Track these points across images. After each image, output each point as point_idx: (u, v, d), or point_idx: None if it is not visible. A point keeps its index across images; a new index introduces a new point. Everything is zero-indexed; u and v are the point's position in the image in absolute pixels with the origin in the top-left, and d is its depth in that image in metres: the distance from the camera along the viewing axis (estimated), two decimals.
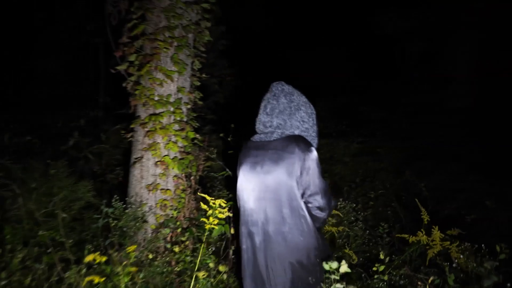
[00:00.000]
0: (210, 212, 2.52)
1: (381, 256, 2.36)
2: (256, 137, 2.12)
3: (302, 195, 1.98)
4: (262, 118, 2.09)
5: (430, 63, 7.64)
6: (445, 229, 2.92)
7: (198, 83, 3.34)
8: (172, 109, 2.99)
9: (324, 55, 10.28)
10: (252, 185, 2.04)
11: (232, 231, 2.93)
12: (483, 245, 2.40)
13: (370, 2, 7.11)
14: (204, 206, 2.53)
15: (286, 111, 2.05)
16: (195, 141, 3.23)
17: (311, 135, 2.11)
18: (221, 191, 3.76)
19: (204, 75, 3.34)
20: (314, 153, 1.96)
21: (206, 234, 2.51)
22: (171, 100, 2.99)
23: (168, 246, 2.75)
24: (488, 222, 4.01)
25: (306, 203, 1.99)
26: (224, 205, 2.56)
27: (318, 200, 1.99)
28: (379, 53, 8.04)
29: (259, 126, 2.11)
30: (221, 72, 7.72)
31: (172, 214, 2.97)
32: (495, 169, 5.11)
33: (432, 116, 6.69)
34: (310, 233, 2.00)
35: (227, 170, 3.51)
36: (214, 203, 2.54)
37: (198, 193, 3.04)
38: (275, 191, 1.98)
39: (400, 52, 7.76)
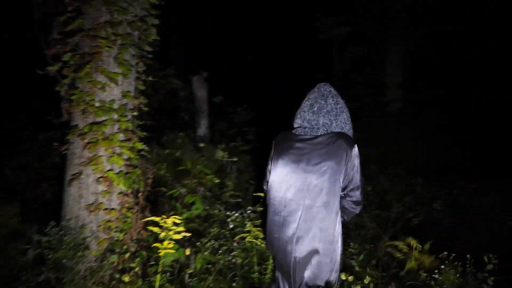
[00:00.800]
0: (163, 234, 2.19)
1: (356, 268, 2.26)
2: (299, 130, 2.17)
3: (343, 189, 2.07)
4: (307, 116, 2.16)
5: (368, 68, 7.90)
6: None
7: (143, 87, 2.98)
8: (116, 116, 2.60)
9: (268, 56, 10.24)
10: (296, 176, 2.10)
11: (188, 252, 2.65)
12: (468, 255, 2.35)
13: (314, 8, 7.16)
14: (154, 229, 2.21)
15: (332, 112, 2.14)
16: (142, 153, 2.87)
17: (351, 135, 2.21)
18: (174, 209, 3.42)
19: (150, 78, 3.00)
20: (357, 149, 2.07)
21: (161, 261, 2.20)
22: (115, 106, 2.60)
23: (116, 275, 2.38)
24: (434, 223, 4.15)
25: (344, 196, 2.10)
26: (178, 221, 2.26)
27: (357, 195, 2.09)
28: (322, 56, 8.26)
29: (302, 123, 2.17)
30: (154, 73, 7.30)
31: (118, 237, 2.59)
32: (436, 173, 5.36)
33: (373, 120, 6.97)
34: (339, 229, 2.09)
35: (179, 188, 3.20)
36: (165, 222, 2.22)
37: (146, 213, 2.71)
38: (319, 184, 2.05)
39: (340, 57, 8.01)
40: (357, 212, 2.18)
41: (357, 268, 2.40)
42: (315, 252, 2.07)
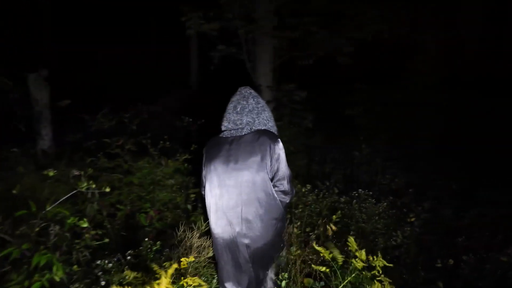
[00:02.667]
0: None
1: None
2: (225, 133, 2.36)
3: (271, 180, 2.27)
4: (232, 116, 2.35)
5: (238, 68, 7.42)
6: None
7: None
8: None
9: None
10: (228, 175, 2.25)
11: None
12: None
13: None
14: None
15: (254, 111, 2.34)
16: None
17: (274, 132, 2.42)
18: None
19: None
20: (281, 143, 2.27)
21: None
22: None
23: None
24: None
25: (273, 187, 2.28)
26: None
27: (284, 185, 2.29)
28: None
29: (227, 125, 2.36)
30: None
31: None
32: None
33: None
34: (281, 213, 2.31)
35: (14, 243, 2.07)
36: None
37: None
38: (251, 179, 2.21)
39: (207, 55, 7.43)
40: (287, 201, 2.36)
41: None
42: (264, 239, 2.26)
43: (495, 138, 7.39)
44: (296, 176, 5.55)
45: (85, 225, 2.11)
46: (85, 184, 2.23)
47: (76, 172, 3.18)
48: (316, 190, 4.53)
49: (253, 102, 2.38)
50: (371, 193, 4.22)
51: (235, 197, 2.24)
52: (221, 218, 2.28)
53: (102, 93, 14.22)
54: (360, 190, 4.26)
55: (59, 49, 14.22)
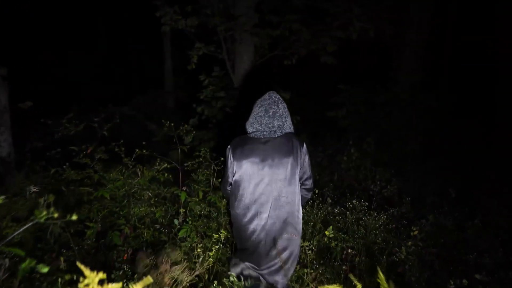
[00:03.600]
0: None
1: None
2: (257, 134, 2.57)
3: (300, 179, 2.60)
4: (264, 120, 2.55)
5: (217, 68, 6.99)
6: None
7: None
8: None
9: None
10: (264, 172, 2.51)
11: None
12: None
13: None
14: None
15: (283, 115, 2.58)
16: None
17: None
18: None
19: None
20: (306, 146, 2.61)
21: None
22: None
23: None
24: None
25: (300, 185, 2.62)
26: None
27: (310, 183, 2.67)
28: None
29: (259, 127, 2.56)
30: None
31: None
32: None
33: None
34: (300, 208, 2.61)
35: None
36: None
37: None
38: (283, 177, 2.50)
39: (184, 54, 6.95)
40: (308, 197, 2.72)
41: None
42: (286, 231, 2.51)
43: (485, 137, 7.28)
44: None
45: (45, 270, 1.64)
46: (44, 213, 1.75)
47: (35, 189, 2.68)
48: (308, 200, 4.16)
49: (282, 107, 2.58)
50: (367, 203, 3.89)
51: (268, 193, 2.49)
52: (252, 211, 2.51)
53: (70, 95, 13.45)
54: (354, 201, 3.93)
55: (22, 46, 13.34)
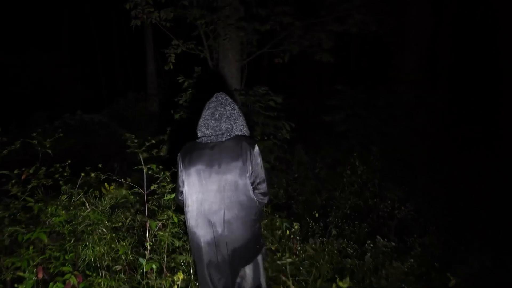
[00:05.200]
0: None
1: None
2: (204, 139, 2.43)
3: (252, 183, 2.38)
4: (210, 123, 2.43)
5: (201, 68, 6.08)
6: None
7: None
8: None
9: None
10: (211, 179, 2.34)
11: None
12: None
13: None
14: None
15: (232, 117, 2.44)
16: None
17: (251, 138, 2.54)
18: None
19: None
20: (258, 148, 2.40)
21: None
22: None
23: None
24: None
25: (253, 190, 2.40)
26: None
27: (263, 187, 2.43)
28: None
29: (206, 131, 2.44)
30: None
31: None
32: None
33: None
34: (259, 214, 2.46)
35: None
36: None
37: None
38: (233, 183, 2.32)
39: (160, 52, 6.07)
40: (265, 202, 2.46)
41: None
42: (244, 239, 2.35)
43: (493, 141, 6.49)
44: (275, 206, 4.32)
45: None
46: None
47: None
48: (307, 231, 3.33)
49: (230, 108, 2.46)
50: (393, 244, 3.04)
51: (218, 201, 2.34)
52: (203, 221, 2.36)
53: (44, 100, 12.44)
54: (378, 238, 3.06)
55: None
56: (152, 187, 3.43)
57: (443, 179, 5.06)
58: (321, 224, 3.42)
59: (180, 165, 2.45)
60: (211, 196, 2.33)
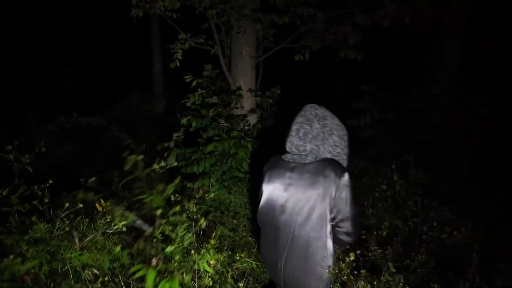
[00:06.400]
0: None
1: None
2: (288, 156, 2.22)
3: (332, 219, 2.07)
4: (295, 141, 2.18)
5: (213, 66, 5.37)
6: None
7: None
8: None
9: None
10: (285, 203, 2.13)
11: None
12: None
13: None
14: None
15: (319, 137, 2.14)
16: None
17: (342, 158, 2.19)
18: None
19: None
20: (348, 178, 2.03)
21: None
22: None
23: None
24: None
25: (334, 227, 2.09)
26: None
27: (347, 226, 2.06)
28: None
29: (291, 148, 2.20)
30: None
31: None
32: None
33: None
34: (328, 256, 2.08)
35: None
36: None
37: None
38: (307, 212, 2.05)
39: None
40: (349, 242, 2.16)
41: None
42: (302, 275, 2.06)
43: None
44: None
45: None
46: None
47: None
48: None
49: (318, 126, 2.15)
50: None
51: (286, 230, 2.12)
52: (270, 248, 2.21)
53: (46, 101, 11.85)
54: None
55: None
56: (155, 231, 2.60)
57: (501, 198, 4.32)
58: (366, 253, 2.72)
59: (263, 179, 2.26)
60: (282, 219, 2.13)
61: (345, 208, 2.01)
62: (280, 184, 2.15)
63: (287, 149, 2.22)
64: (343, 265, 2.38)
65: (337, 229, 2.08)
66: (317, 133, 2.12)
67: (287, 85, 5.59)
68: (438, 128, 5.32)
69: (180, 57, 5.39)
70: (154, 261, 2.72)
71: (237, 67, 5.51)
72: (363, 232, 3.64)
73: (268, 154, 2.43)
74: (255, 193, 2.40)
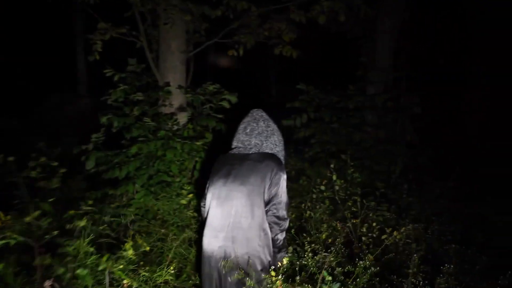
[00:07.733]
0: None
1: None
2: (234, 151, 2.46)
3: (267, 204, 2.27)
4: (241, 137, 2.46)
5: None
6: None
7: None
8: None
9: None
10: (225, 188, 2.30)
11: None
12: None
13: None
14: None
15: (263, 134, 2.43)
16: None
17: (280, 158, 2.45)
18: None
19: None
20: (285, 172, 2.34)
21: None
22: None
23: None
24: None
25: (267, 211, 2.27)
26: None
27: (279, 210, 2.27)
28: None
29: (237, 144, 2.47)
30: None
31: None
32: None
33: None
34: (263, 239, 2.25)
35: None
36: None
37: None
38: (243, 196, 2.24)
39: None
40: (281, 227, 2.29)
41: None
42: (240, 258, 2.17)
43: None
44: None
45: None
46: None
47: None
48: None
49: (263, 125, 2.45)
50: None
51: (226, 212, 2.25)
52: (212, 232, 2.29)
53: None
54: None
55: None
56: None
57: (436, 197, 4.30)
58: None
59: (211, 172, 2.44)
60: (220, 206, 2.27)
61: (279, 193, 2.24)
62: (223, 172, 2.33)
63: (233, 146, 2.47)
64: (274, 273, 2.15)
65: (269, 212, 2.25)
66: (262, 130, 2.41)
67: (220, 83, 5.19)
68: (373, 128, 5.28)
69: (99, 49, 4.82)
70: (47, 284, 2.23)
71: (166, 62, 5.05)
72: (304, 235, 3.41)
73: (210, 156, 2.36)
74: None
